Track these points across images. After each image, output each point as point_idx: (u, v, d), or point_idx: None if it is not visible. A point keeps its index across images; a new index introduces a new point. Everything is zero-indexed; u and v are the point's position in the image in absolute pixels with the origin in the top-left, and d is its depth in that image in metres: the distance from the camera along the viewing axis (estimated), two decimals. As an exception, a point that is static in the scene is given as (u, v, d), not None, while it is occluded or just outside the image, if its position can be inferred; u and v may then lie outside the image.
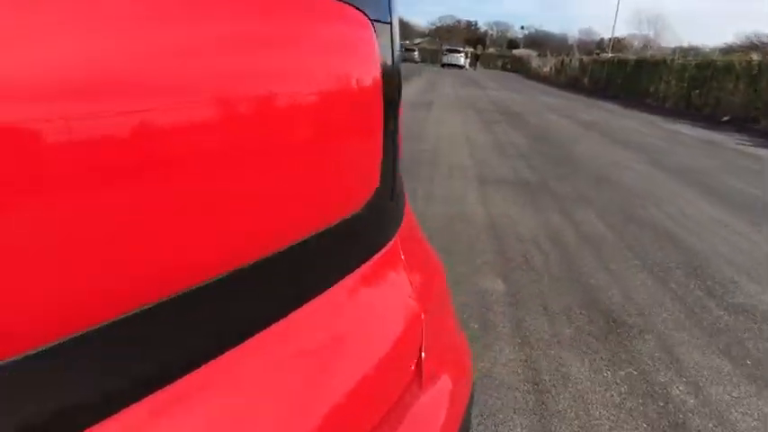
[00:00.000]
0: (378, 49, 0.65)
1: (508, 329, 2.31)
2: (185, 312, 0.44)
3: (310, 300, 0.60)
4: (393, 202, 0.73)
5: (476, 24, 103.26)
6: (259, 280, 0.53)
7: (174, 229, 0.40)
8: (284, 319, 0.57)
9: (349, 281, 0.66)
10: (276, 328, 0.55)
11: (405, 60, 29.21)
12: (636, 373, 2.09)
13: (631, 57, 25.50)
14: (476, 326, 2.31)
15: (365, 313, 0.67)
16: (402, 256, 0.75)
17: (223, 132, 0.43)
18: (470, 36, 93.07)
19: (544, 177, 5.40)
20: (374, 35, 0.64)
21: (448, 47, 52.14)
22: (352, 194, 0.64)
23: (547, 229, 3.72)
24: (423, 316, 0.74)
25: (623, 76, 23.22)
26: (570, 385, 1.97)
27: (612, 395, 1.93)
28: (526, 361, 2.09)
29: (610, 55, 31.22)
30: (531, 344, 2.21)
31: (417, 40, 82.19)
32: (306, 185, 0.56)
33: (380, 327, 0.69)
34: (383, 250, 0.72)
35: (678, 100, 18.20)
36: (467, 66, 46.48)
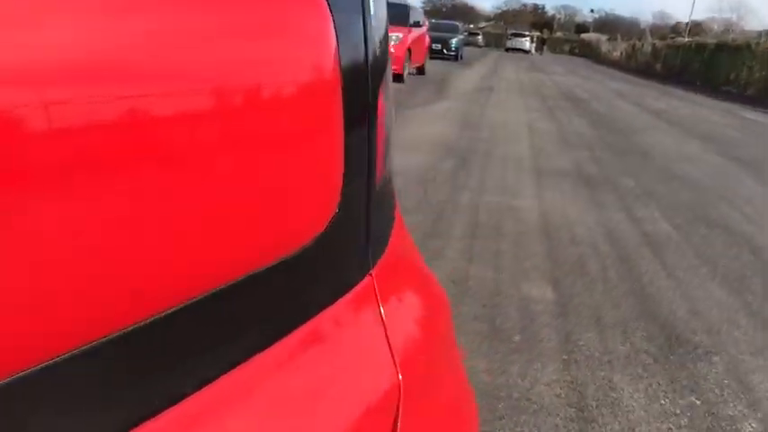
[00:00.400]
0: (332, 29, 0.47)
1: (554, 344, 2.08)
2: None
3: (226, 374, 0.43)
4: (362, 235, 0.56)
5: (542, 8, 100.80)
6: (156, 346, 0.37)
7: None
8: (196, 393, 0.41)
9: (291, 340, 0.49)
10: (180, 408, 0.39)
11: (468, 44, 28.75)
12: (699, 402, 1.83)
13: (710, 41, 24.00)
14: (517, 338, 2.09)
15: (311, 392, 0.49)
16: (381, 309, 0.57)
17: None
18: (537, 20, 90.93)
19: (607, 171, 5.05)
20: (326, 7, 0.47)
21: (512, 31, 50.83)
22: (286, 227, 0.47)
23: (606, 228, 3.43)
24: (401, 378, 0.57)
25: (700, 62, 21.91)
26: (620, 414, 1.73)
27: (670, 429, 1.69)
28: (571, 382, 1.86)
29: (686, 39, 29.52)
30: (579, 362, 1.98)
31: (482, 24, 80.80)
32: (217, 213, 0.39)
33: (336, 405, 0.51)
34: (345, 297, 0.54)
35: (762, 87, 16.99)
36: (532, 51, 44.95)
